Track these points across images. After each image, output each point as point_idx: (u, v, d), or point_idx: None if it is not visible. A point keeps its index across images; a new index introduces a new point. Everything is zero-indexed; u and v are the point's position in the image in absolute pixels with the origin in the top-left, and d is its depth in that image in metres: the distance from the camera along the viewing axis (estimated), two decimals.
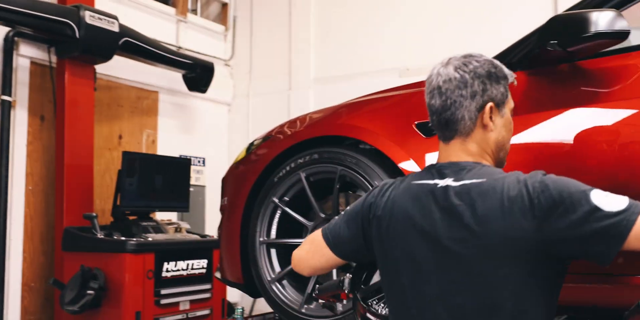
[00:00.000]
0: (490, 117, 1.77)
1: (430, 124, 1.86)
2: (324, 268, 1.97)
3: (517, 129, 2.27)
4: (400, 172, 2.45)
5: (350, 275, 1.98)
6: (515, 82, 1.87)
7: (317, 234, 1.96)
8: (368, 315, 1.87)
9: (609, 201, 1.53)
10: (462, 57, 1.80)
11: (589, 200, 1.53)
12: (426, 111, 2.44)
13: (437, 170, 1.77)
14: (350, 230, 1.88)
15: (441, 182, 1.72)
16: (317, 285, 2.12)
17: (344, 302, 2.58)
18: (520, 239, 1.57)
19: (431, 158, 2.38)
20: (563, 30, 2.12)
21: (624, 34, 2.03)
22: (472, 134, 1.77)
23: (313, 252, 1.96)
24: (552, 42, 2.13)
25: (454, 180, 1.70)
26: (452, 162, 1.77)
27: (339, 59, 6.31)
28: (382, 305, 1.88)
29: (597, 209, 1.52)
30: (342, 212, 1.95)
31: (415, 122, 2.47)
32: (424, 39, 5.74)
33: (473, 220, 1.61)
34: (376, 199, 1.83)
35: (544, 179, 1.61)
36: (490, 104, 1.76)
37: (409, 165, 2.42)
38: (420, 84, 2.73)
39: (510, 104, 1.84)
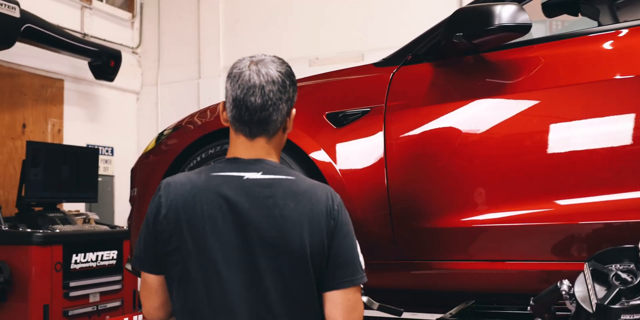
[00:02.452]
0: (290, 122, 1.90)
1: (231, 116, 1.84)
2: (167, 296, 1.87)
3: (424, 120, 2.36)
4: (310, 162, 2.50)
5: (568, 281, 1.86)
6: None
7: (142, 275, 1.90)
8: None
9: (361, 257, 1.82)
10: (276, 59, 1.86)
11: (356, 244, 1.81)
12: (336, 101, 2.50)
13: (244, 164, 1.82)
14: (146, 244, 1.83)
15: (248, 175, 1.78)
16: (532, 297, 1.98)
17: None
18: (315, 239, 1.74)
19: (342, 148, 2.45)
20: (468, 23, 2.20)
21: (526, 27, 2.13)
22: (276, 135, 1.86)
23: (145, 290, 1.90)
24: (457, 34, 2.21)
25: (263, 174, 1.78)
26: (257, 159, 1.83)
27: (248, 48, 6.30)
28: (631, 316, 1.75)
29: (357, 258, 1.80)
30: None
31: (326, 113, 2.52)
32: (333, 28, 5.84)
33: (281, 211, 1.73)
34: (161, 199, 1.80)
35: (341, 203, 1.82)
36: (294, 109, 1.89)
37: (320, 155, 2.47)
38: (328, 74, 2.80)
39: None
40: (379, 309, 2.26)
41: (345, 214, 1.81)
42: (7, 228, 4.35)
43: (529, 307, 2.00)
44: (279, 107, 1.81)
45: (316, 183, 1.85)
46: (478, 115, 2.28)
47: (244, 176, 1.78)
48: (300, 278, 1.73)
